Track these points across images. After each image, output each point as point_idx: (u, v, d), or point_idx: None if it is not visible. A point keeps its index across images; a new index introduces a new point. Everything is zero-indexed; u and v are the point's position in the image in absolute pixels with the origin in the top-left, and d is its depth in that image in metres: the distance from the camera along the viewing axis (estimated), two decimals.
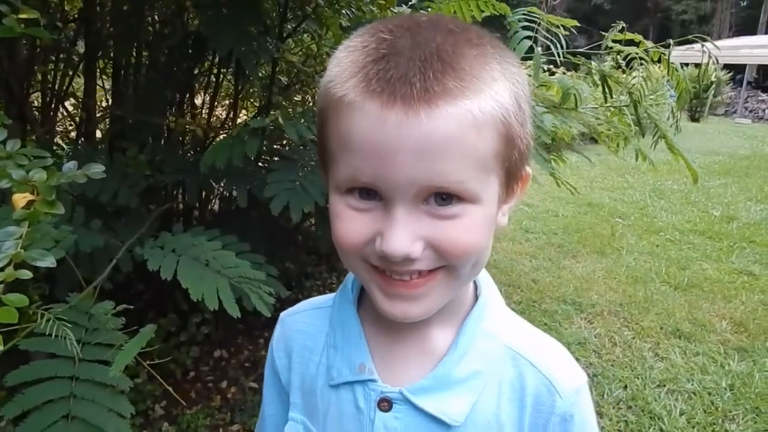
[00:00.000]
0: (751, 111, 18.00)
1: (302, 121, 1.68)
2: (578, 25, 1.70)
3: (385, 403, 0.56)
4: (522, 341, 0.59)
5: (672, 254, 4.47)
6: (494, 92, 0.45)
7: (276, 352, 0.67)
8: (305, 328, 0.65)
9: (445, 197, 0.46)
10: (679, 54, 2.24)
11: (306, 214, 1.83)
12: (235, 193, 2.26)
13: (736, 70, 17.52)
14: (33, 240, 0.71)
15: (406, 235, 0.46)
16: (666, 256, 4.42)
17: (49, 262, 0.69)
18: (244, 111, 2.84)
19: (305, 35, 2.53)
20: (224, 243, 1.58)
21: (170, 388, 1.12)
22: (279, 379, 0.66)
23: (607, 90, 1.99)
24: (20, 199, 0.75)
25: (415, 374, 0.57)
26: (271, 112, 1.67)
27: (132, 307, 1.15)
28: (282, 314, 0.70)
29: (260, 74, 2.45)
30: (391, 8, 2.16)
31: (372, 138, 0.44)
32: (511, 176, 0.51)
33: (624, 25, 1.85)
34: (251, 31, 1.89)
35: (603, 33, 1.90)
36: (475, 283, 0.61)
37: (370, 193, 0.47)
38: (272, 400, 0.69)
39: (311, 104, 2.72)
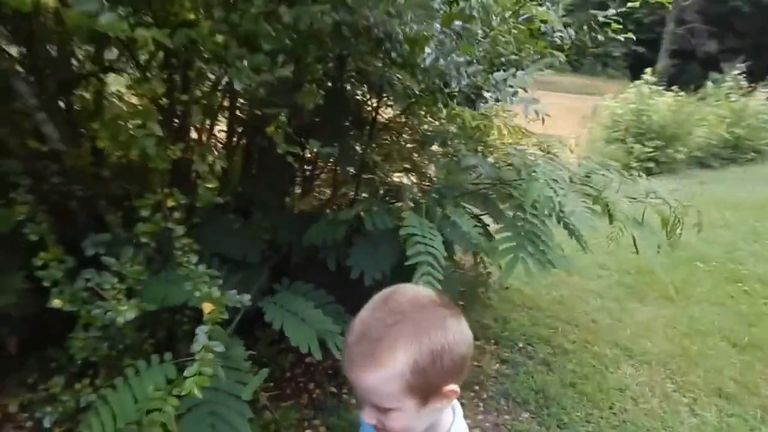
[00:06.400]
0: None
1: (376, 210, 2.29)
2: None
3: None
4: None
5: (743, 308, 4.44)
6: (396, 364, 0.83)
7: None
8: None
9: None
10: None
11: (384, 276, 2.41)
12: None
13: None
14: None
15: (369, 416, 0.90)
16: (736, 309, 4.41)
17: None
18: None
19: None
20: (315, 299, 2.23)
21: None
22: None
23: None
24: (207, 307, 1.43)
25: None
26: (354, 206, 2.28)
27: (254, 353, 1.82)
28: None
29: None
30: None
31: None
32: (429, 394, 0.87)
33: None
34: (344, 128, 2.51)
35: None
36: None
37: None
38: None
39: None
